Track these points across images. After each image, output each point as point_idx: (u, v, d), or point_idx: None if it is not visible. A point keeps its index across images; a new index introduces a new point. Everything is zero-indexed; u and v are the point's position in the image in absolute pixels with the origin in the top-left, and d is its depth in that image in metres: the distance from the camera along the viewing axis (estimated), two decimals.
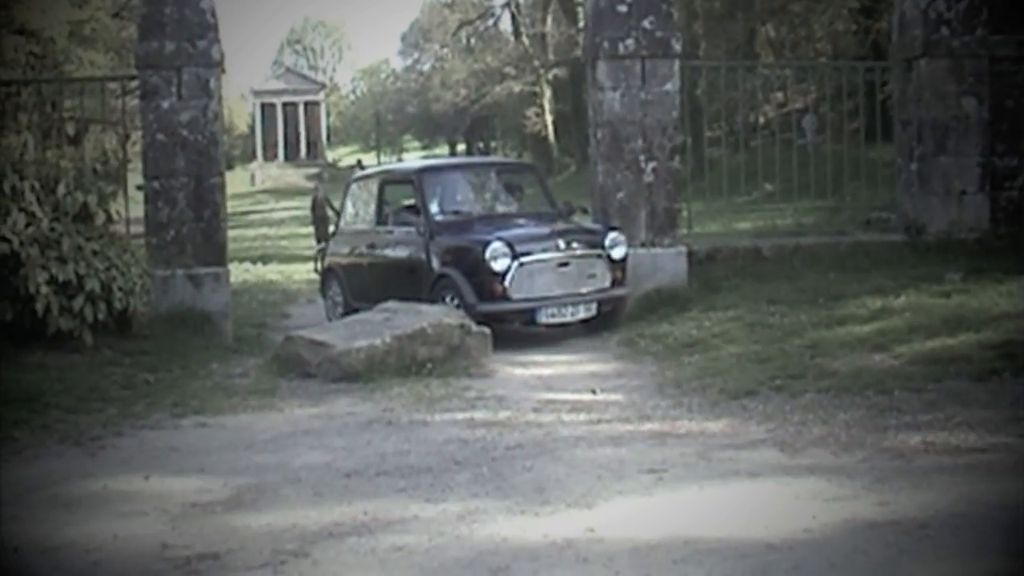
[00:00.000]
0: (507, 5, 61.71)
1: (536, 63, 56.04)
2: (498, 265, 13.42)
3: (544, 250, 13.81)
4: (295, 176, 77.17)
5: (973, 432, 8.12)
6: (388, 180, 16.59)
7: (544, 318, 13.69)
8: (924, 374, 9.90)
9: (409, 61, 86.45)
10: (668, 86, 15.70)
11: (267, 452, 8.82)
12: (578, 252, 14.00)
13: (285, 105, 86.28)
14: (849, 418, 8.78)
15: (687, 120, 16.79)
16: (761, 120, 31.65)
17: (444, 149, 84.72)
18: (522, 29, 60.05)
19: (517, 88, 58.83)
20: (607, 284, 14.12)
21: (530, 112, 58.47)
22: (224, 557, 6.38)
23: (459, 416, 9.83)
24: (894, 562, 5.83)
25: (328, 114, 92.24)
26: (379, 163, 56.72)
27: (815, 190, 18.71)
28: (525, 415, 9.77)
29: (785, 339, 11.86)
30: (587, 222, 15.83)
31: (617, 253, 14.22)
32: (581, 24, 41.75)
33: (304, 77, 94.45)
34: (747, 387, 10.11)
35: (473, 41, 71.21)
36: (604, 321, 14.14)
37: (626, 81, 15.61)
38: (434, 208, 14.85)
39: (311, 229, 29.26)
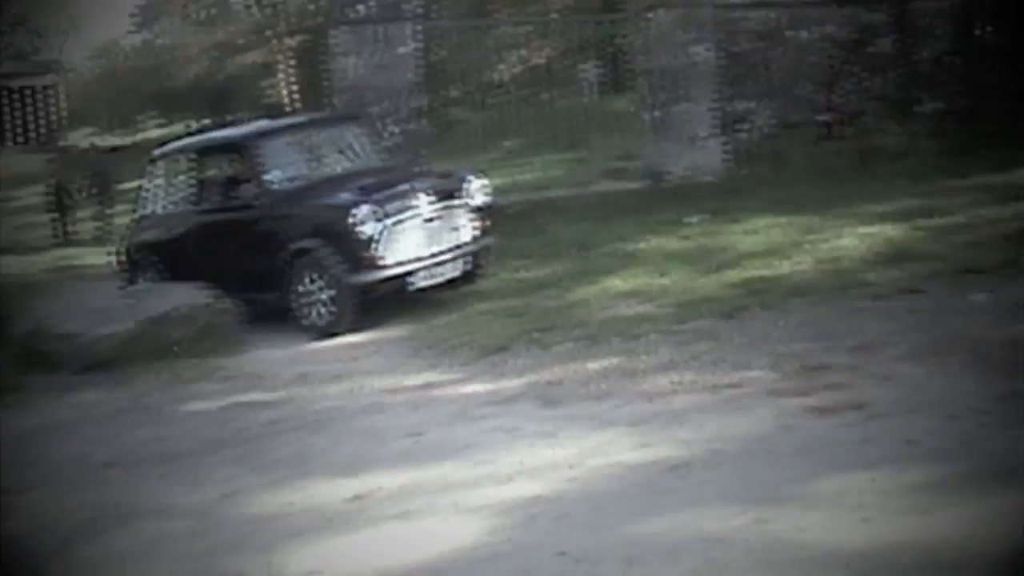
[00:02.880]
0: None
1: (272, 33, 55.24)
2: (368, 229, 11.75)
3: (410, 206, 12.17)
4: (29, 163, 74.53)
5: (724, 368, 8.30)
6: (205, 151, 14.53)
7: (420, 282, 12.12)
8: (673, 316, 10.07)
9: (143, 38, 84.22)
10: (405, 49, 15.64)
11: (18, 450, 8.51)
12: (443, 204, 12.44)
13: (16, 89, 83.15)
14: (604, 365, 8.87)
15: (427, 82, 16.75)
16: (497, 78, 31.77)
17: (182, 126, 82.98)
18: None
19: (254, 59, 57.92)
20: (474, 236, 12.69)
21: (268, 83, 57.64)
22: None
23: (214, 396, 9.66)
24: (656, 501, 5.92)
25: (62, 97, 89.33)
26: (115, 143, 54.78)
27: (558, 144, 18.84)
28: (281, 389, 9.65)
29: (536, 292, 11.94)
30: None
31: (480, 200, 12.79)
32: None
33: (36, 60, 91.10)
34: (501, 343, 10.10)
35: (207, 14, 69.80)
36: (472, 276, 12.81)
37: (363, 46, 15.48)
38: (273, 176, 13.03)
39: (53, 216, 28.03)
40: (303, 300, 12.06)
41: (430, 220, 12.25)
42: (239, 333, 11.88)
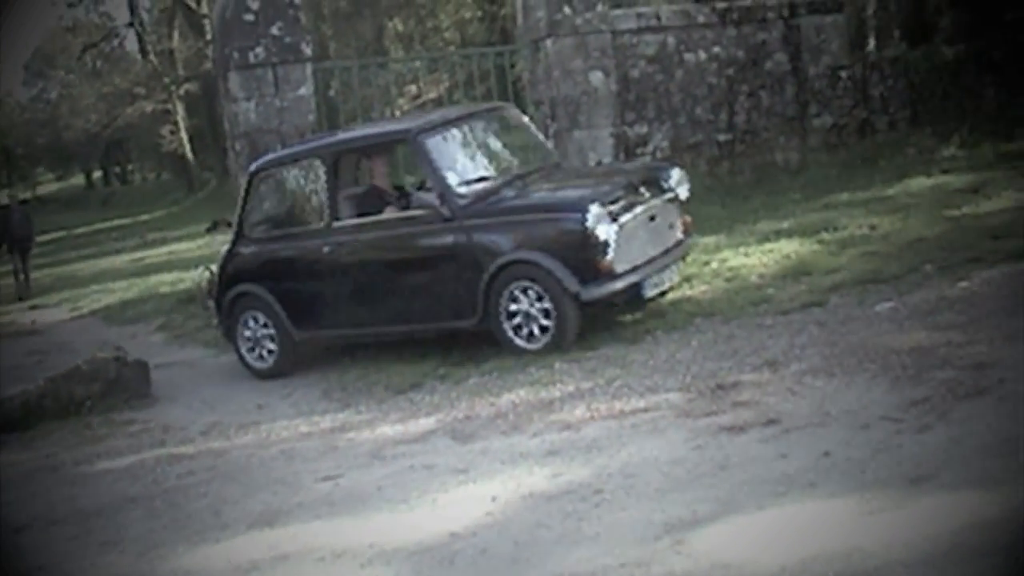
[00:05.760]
0: (131, 24, 60.16)
1: (166, 80, 54.93)
2: (602, 233, 9.96)
3: (635, 204, 10.48)
4: None
5: (634, 393, 8.30)
6: (347, 152, 11.93)
7: (649, 291, 10.45)
8: (581, 344, 10.07)
9: (35, 91, 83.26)
10: (302, 91, 15.58)
11: None
12: (660, 199, 10.88)
13: None
14: (515, 397, 8.86)
15: (324, 122, 16.69)
16: (398, 114, 31.78)
17: (80, 178, 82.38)
18: (149, 47, 58.69)
19: (149, 108, 57.57)
20: (682, 234, 11.23)
21: (164, 131, 57.25)
22: None
23: (126, 451, 9.50)
24: (575, 530, 5.92)
25: None
26: (11, 198, 53.50)
27: None
28: (193, 441, 9.53)
29: None
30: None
31: (684, 193, 11.29)
32: (209, 37, 41.14)
33: None
34: (412, 380, 10.10)
35: (99, 64, 69.27)
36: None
37: (259, 90, 15.41)
38: (453, 178, 10.89)
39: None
40: (513, 322, 10.30)
41: (653, 218, 10.70)
42: (149, 385, 11.73)
